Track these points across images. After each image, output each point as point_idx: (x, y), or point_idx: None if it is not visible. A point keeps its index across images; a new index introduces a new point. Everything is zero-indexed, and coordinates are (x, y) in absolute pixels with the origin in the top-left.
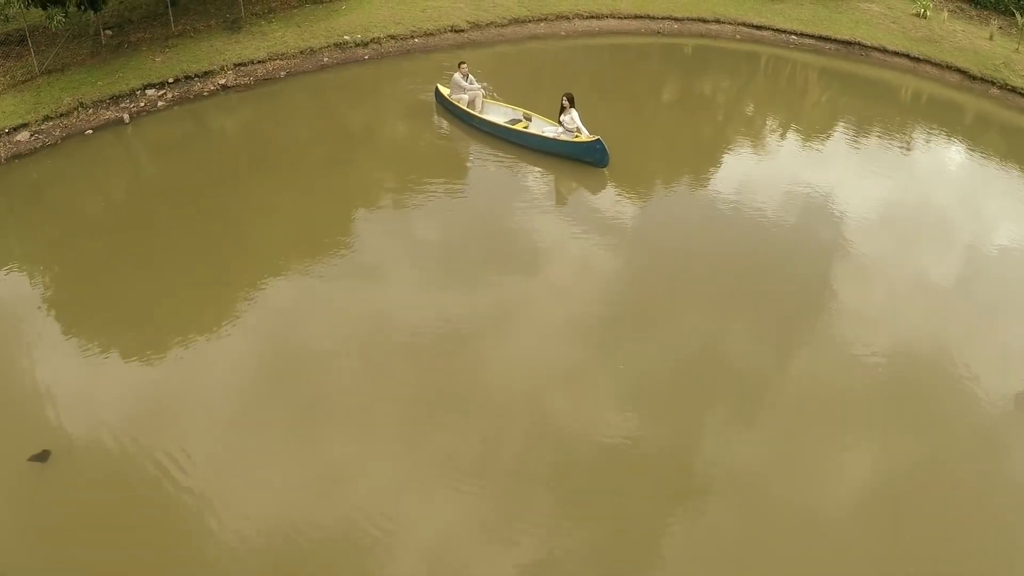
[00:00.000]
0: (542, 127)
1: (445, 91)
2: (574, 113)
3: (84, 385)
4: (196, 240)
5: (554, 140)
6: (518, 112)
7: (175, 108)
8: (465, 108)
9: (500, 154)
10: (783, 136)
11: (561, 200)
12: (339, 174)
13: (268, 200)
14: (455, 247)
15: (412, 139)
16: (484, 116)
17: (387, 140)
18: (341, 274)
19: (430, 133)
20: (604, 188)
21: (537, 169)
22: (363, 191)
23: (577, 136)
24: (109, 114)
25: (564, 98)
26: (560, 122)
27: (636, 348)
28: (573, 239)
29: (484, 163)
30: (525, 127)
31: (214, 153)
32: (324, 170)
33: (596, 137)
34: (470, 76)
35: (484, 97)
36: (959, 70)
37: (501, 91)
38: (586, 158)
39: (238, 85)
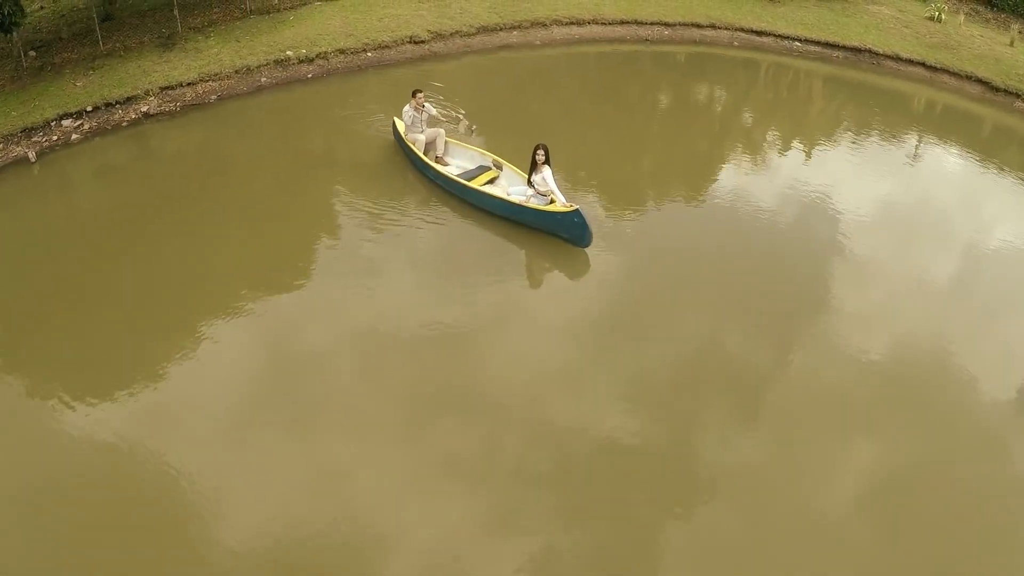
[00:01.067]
0: (511, 184)
1: (402, 126)
2: (547, 172)
3: (81, 396)
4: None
5: (521, 207)
6: (487, 158)
7: (94, 140)
8: (420, 152)
9: (460, 216)
10: (785, 152)
11: (534, 281)
12: (256, 230)
13: (180, 252)
14: (367, 345)
15: (354, 187)
16: (446, 162)
17: (322, 188)
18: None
19: (376, 180)
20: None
21: (502, 238)
22: (279, 260)
23: (551, 203)
24: (19, 150)
25: (537, 151)
26: (530, 182)
27: (636, 349)
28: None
29: (437, 228)
30: (495, 176)
31: (125, 198)
32: (231, 226)
33: (574, 207)
34: (426, 107)
35: (463, 133)
36: (980, 80)
37: (466, 110)
38: (562, 233)
39: (161, 113)
